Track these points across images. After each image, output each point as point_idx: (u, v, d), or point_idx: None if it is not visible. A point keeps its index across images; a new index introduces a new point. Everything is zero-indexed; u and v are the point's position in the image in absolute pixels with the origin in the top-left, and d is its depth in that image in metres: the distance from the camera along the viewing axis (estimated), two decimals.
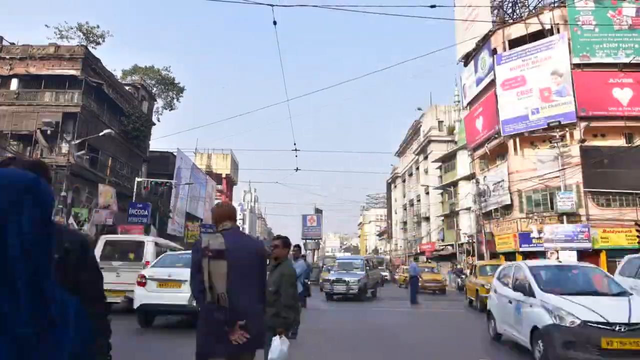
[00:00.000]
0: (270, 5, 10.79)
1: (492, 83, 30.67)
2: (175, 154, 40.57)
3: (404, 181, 61.46)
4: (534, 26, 29.26)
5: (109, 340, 1.76)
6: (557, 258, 24.75)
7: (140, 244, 11.64)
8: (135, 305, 8.78)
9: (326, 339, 8.24)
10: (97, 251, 10.62)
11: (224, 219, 3.15)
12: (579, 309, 6.09)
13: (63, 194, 22.24)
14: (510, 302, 7.59)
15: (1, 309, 1.00)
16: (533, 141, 29.21)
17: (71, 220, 23.01)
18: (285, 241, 4.34)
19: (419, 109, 52.19)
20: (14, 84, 27.91)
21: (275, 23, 12.62)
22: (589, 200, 26.20)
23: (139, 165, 36.29)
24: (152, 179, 34.35)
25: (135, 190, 30.73)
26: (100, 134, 24.33)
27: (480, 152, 33.59)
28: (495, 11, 32.65)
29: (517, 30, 30.27)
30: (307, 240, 57.28)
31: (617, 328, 5.79)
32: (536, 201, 28.00)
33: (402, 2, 13.58)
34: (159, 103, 44.27)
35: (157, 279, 8.85)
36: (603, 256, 24.96)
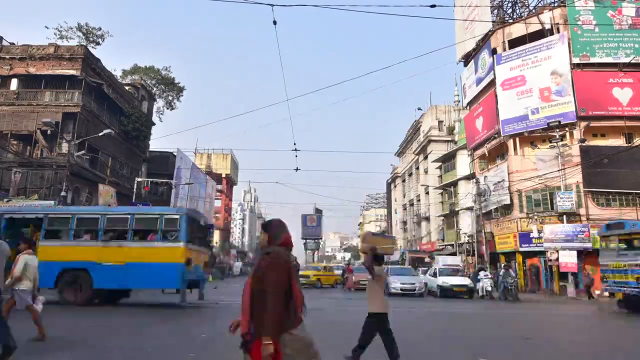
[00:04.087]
0: (270, 5, 10.79)
1: (492, 83, 30.67)
2: (175, 154, 40.57)
3: (403, 181, 61.42)
4: (534, 26, 29.25)
5: None
6: (557, 259, 24.85)
7: None
8: None
9: None
10: None
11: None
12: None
13: (63, 193, 22.25)
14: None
15: None
16: (533, 141, 29.19)
17: None
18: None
19: (419, 109, 52.15)
20: (14, 84, 27.93)
21: (275, 23, 12.62)
22: (589, 200, 26.19)
23: (139, 165, 36.30)
24: (152, 179, 34.35)
25: (135, 190, 30.73)
26: (100, 134, 24.35)
27: (480, 152, 33.58)
28: (495, 11, 32.66)
29: (517, 30, 30.26)
30: (307, 240, 57.21)
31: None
32: (536, 201, 27.98)
33: (402, 2, 13.55)
34: (159, 103, 44.31)
35: None
36: None
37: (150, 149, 38.68)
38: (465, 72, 36.02)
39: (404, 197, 60.24)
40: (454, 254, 38.09)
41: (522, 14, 31.74)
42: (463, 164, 38.67)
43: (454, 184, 40.19)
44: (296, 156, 26.23)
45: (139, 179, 32.22)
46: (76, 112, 26.70)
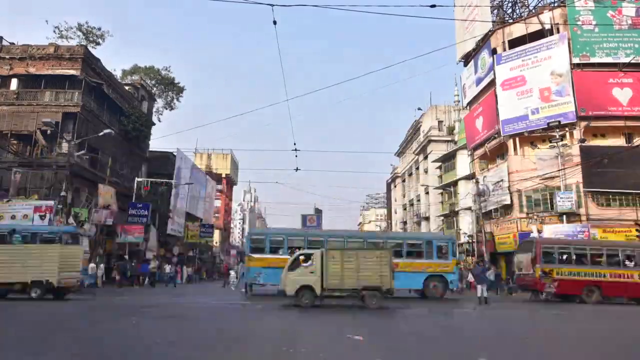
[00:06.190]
0: (270, 5, 10.80)
1: (492, 83, 30.67)
2: (175, 154, 40.56)
3: (403, 181, 61.43)
4: (534, 26, 29.26)
5: None
6: None
7: None
8: None
9: None
10: None
11: None
12: None
13: (63, 193, 22.26)
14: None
15: None
16: (533, 141, 29.22)
17: (71, 219, 23.03)
18: None
19: (419, 109, 52.20)
20: (14, 84, 27.92)
21: (275, 23, 12.64)
22: (589, 200, 26.20)
23: (139, 165, 36.27)
24: (152, 179, 34.35)
25: (135, 190, 30.70)
26: (100, 134, 24.35)
27: (480, 152, 33.59)
28: (495, 11, 32.68)
29: (517, 30, 30.26)
30: None
31: None
32: (536, 201, 27.99)
33: (402, 2, 13.56)
34: (159, 103, 44.31)
35: None
36: None
37: (150, 149, 38.66)
38: (465, 72, 36.03)
39: (404, 197, 60.23)
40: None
41: (522, 14, 31.75)
42: (463, 164, 38.67)
43: (454, 184, 40.20)
44: (296, 156, 26.32)
45: (139, 179, 32.20)
46: (76, 112, 26.69)
